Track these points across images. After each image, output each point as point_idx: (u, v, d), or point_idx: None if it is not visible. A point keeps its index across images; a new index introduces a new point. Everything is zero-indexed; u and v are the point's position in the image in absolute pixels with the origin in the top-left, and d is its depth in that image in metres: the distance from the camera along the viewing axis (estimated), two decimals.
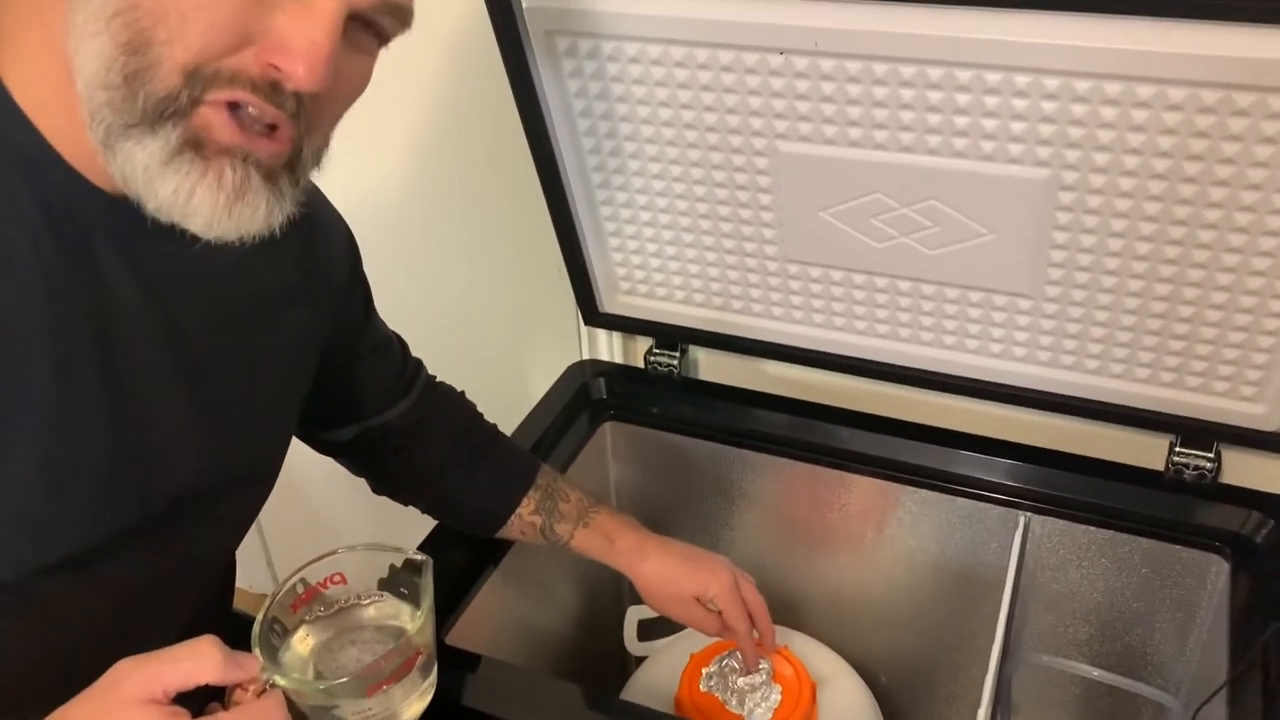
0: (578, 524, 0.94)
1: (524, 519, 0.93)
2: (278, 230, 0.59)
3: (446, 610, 0.93)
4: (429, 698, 0.65)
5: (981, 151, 0.82)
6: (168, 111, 0.53)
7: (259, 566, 1.69)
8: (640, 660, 1.15)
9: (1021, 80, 0.76)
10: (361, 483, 0.95)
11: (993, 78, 0.77)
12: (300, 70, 0.52)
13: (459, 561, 0.97)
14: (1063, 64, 0.74)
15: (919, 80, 0.79)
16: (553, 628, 1.16)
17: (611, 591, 1.22)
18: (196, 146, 0.54)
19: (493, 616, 0.99)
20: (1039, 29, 0.73)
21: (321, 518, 1.42)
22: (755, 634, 0.95)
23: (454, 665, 0.86)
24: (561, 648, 1.17)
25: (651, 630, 1.12)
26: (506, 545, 0.99)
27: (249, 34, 0.52)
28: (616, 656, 1.17)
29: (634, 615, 1.14)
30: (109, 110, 0.52)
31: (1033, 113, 0.78)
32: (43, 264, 0.57)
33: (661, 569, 0.92)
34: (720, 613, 0.92)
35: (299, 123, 0.56)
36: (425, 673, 0.64)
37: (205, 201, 0.55)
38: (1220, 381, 0.91)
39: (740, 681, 0.99)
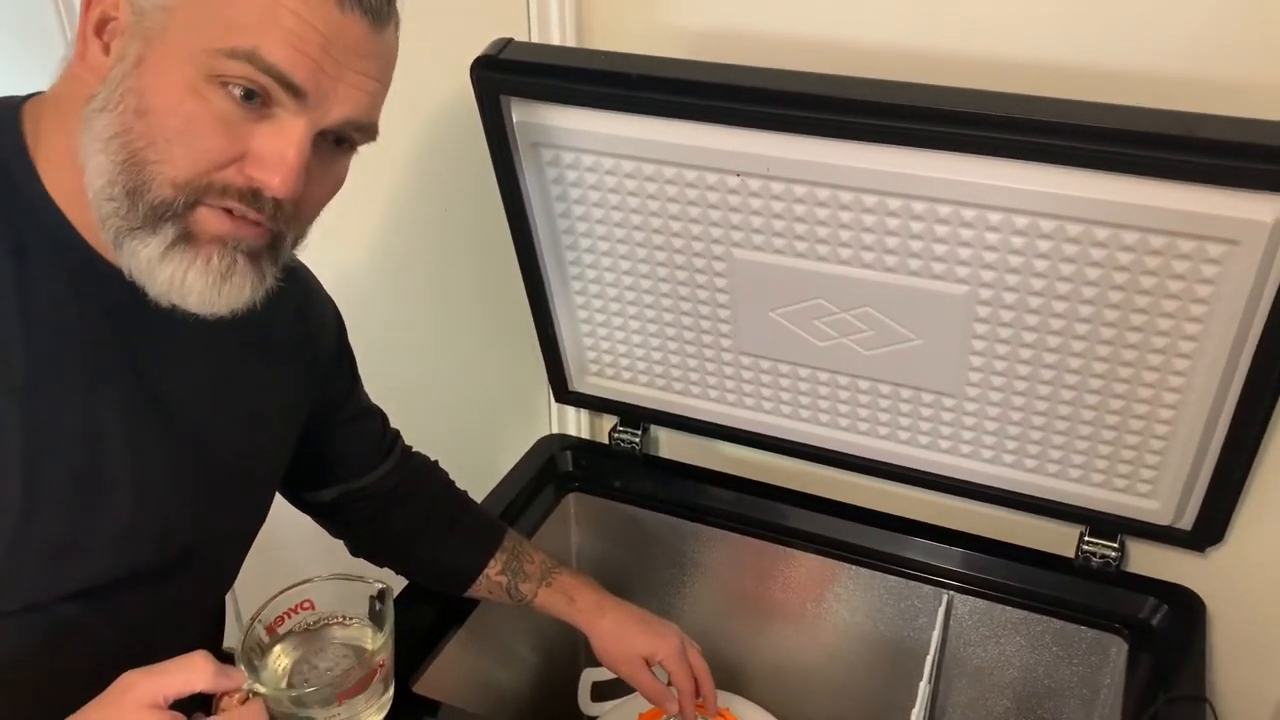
0: (541, 583, 1.01)
1: (491, 579, 1.01)
2: (257, 304, 0.68)
3: (415, 660, 1.00)
4: (387, 709, 0.74)
5: (909, 268, 0.93)
6: (165, 215, 0.63)
7: (229, 623, 1.73)
8: None
9: (943, 210, 0.88)
10: (331, 544, 1.02)
11: (919, 206, 0.88)
12: (275, 181, 0.63)
13: (428, 617, 1.04)
14: (978, 199, 0.86)
15: (855, 205, 0.90)
16: (512, 684, 1.23)
17: (568, 654, 1.29)
18: (189, 239, 0.64)
19: (457, 670, 1.06)
20: (957, 168, 0.85)
21: (295, 577, 1.49)
22: (699, 699, 1.03)
23: (420, 711, 0.94)
24: (519, 704, 1.24)
25: (604, 692, 1.19)
26: (472, 605, 1.07)
27: (230, 155, 0.62)
28: (570, 716, 1.24)
29: (588, 677, 1.21)
30: (115, 217, 0.63)
31: (953, 238, 0.89)
32: (75, 332, 0.67)
33: (616, 626, 1.00)
34: (668, 677, 1.00)
35: (279, 220, 0.66)
36: (385, 685, 0.73)
37: (197, 284, 0.64)
38: (1120, 479, 1.01)
39: None
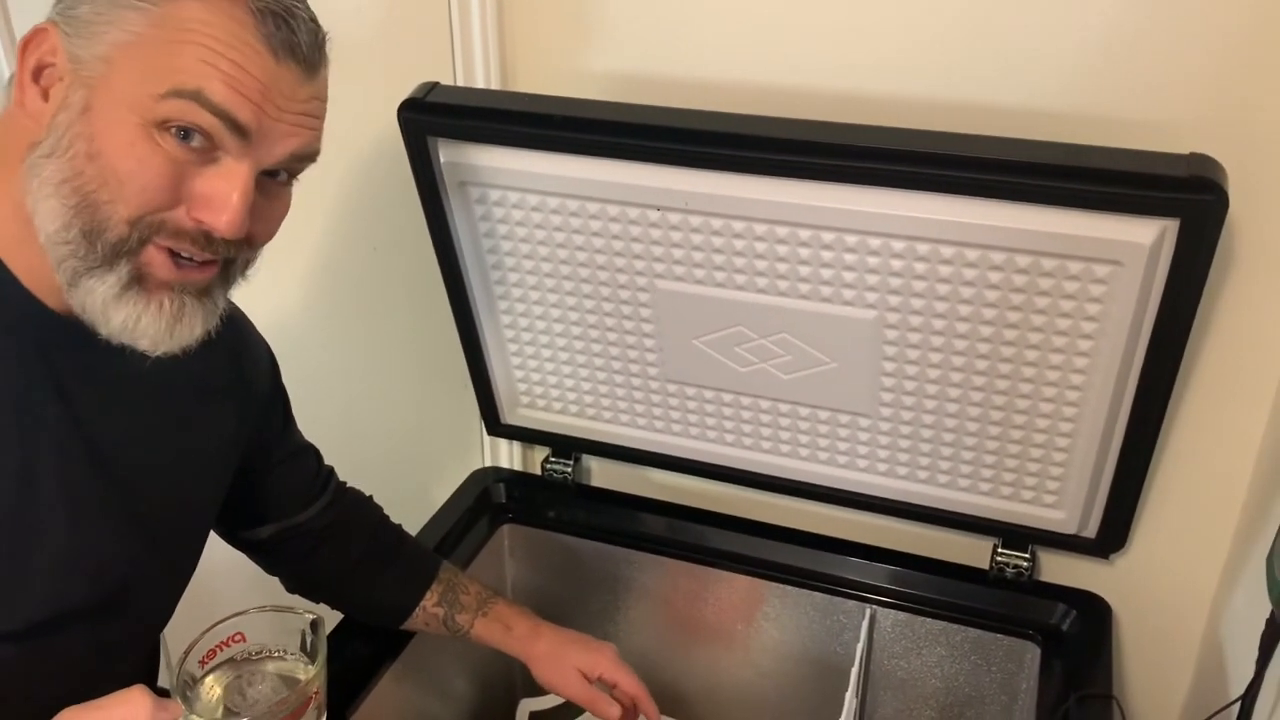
0: (477, 614, 1.03)
1: (427, 611, 1.02)
2: (212, 333, 0.70)
3: (350, 694, 1.00)
4: None
5: (821, 294, 0.98)
6: (121, 251, 0.65)
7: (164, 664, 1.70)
8: None
9: (850, 239, 0.93)
10: (265, 582, 1.03)
11: (827, 236, 0.93)
12: (221, 223, 0.65)
13: (362, 651, 1.05)
14: (882, 228, 0.91)
15: (769, 236, 0.95)
16: (448, 716, 1.23)
17: (504, 685, 1.30)
18: (140, 282, 0.66)
19: (392, 703, 1.07)
20: (862, 199, 0.90)
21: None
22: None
23: None
24: None
25: None
26: (407, 638, 1.08)
27: (177, 196, 0.65)
28: None
29: (525, 707, 1.23)
30: (73, 259, 0.65)
31: (860, 265, 0.94)
32: (10, 373, 0.68)
33: (552, 648, 1.02)
34: (613, 686, 1.02)
35: (230, 249, 0.69)
36: (319, 714, 0.74)
37: (150, 328, 0.67)
38: (1028, 490, 1.07)
39: None
